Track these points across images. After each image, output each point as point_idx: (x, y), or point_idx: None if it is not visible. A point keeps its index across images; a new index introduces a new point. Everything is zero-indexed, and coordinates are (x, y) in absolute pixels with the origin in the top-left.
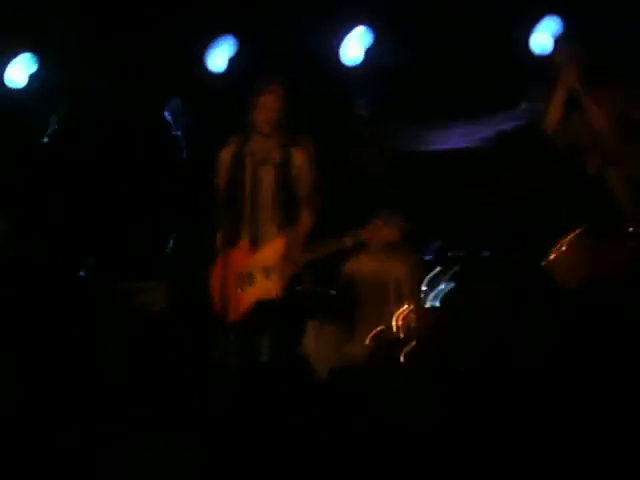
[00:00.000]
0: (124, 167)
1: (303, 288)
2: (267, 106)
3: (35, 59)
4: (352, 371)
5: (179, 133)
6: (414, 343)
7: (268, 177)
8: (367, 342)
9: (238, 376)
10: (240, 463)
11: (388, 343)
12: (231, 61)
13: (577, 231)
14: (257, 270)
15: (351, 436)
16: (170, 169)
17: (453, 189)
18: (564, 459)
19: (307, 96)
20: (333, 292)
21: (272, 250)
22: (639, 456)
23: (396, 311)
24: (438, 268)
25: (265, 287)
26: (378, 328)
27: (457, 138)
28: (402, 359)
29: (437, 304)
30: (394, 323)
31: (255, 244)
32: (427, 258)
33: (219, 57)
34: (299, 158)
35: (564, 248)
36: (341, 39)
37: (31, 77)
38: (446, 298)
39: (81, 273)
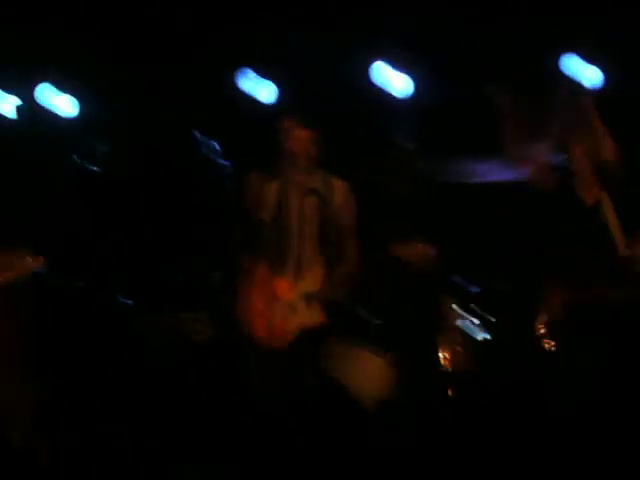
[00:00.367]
0: (168, 198)
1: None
2: (302, 138)
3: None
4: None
5: (224, 163)
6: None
7: (312, 208)
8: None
9: (280, 405)
10: None
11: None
12: (269, 94)
13: None
14: (299, 298)
15: (395, 468)
16: (214, 200)
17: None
18: None
19: (347, 127)
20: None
21: (314, 278)
22: None
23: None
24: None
25: (307, 314)
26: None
27: (497, 172)
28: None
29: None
30: (441, 355)
31: (298, 274)
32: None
33: (255, 89)
34: (340, 190)
35: None
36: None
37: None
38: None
39: (125, 303)
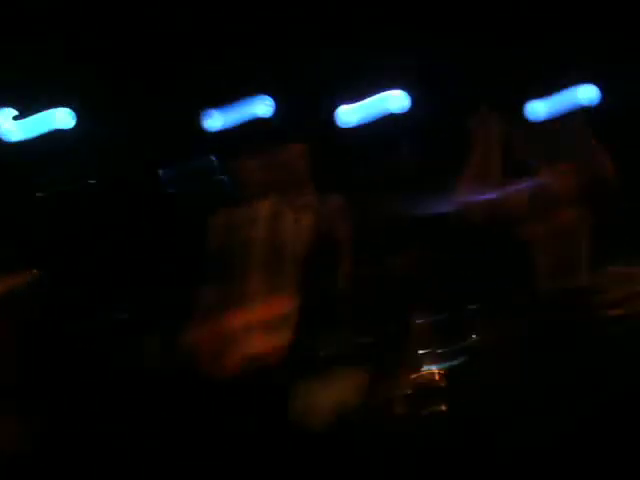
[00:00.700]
0: (165, 210)
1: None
2: (293, 153)
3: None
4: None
5: (222, 179)
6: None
7: (305, 224)
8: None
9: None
10: None
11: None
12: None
13: None
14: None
15: None
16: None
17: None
18: None
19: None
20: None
21: (288, 300)
22: None
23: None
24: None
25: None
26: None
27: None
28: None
29: None
30: (434, 370)
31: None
32: None
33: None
34: (334, 206)
35: None
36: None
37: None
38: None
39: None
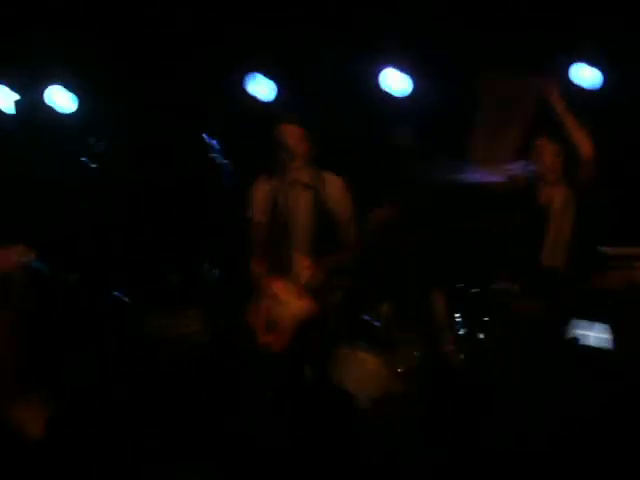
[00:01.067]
0: (166, 196)
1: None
2: (295, 136)
3: (76, 89)
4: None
5: (223, 162)
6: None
7: (306, 204)
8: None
9: (276, 404)
10: None
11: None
12: (270, 93)
13: None
14: (291, 293)
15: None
16: (211, 197)
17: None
18: None
19: (346, 127)
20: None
21: (305, 272)
22: None
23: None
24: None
25: (299, 306)
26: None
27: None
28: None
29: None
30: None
31: (293, 271)
32: None
33: (259, 88)
34: (334, 183)
35: None
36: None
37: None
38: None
39: (121, 299)
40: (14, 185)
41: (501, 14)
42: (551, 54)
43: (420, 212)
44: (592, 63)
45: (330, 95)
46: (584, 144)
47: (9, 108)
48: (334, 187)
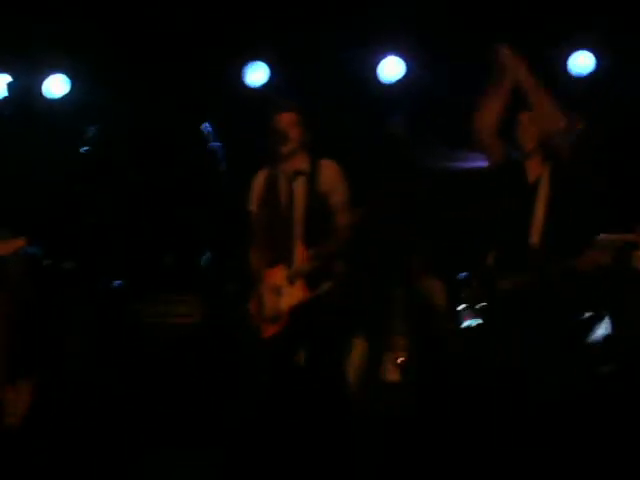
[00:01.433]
0: (160, 179)
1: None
2: (287, 121)
3: (72, 75)
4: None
5: (218, 147)
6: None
7: (299, 190)
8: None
9: (272, 389)
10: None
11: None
12: (266, 81)
13: None
14: (284, 280)
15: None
16: (207, 183)
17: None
18: None
19: (341, 114)
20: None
21: (299, 258)
22: None
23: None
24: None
25: (293, 293)
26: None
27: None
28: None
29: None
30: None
31: (288, 259)
32: None
33: (254, 75)
34: (328, 168)
35: None
36: (377, 58)
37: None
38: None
39: (115, 283)
40: (8, 172)
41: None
42: (549, 40)
43: (414, 200)
44: (589, 50)
45: (325, 82)
46: (555, 116)
47: (3, 93)
48: (329, 172)
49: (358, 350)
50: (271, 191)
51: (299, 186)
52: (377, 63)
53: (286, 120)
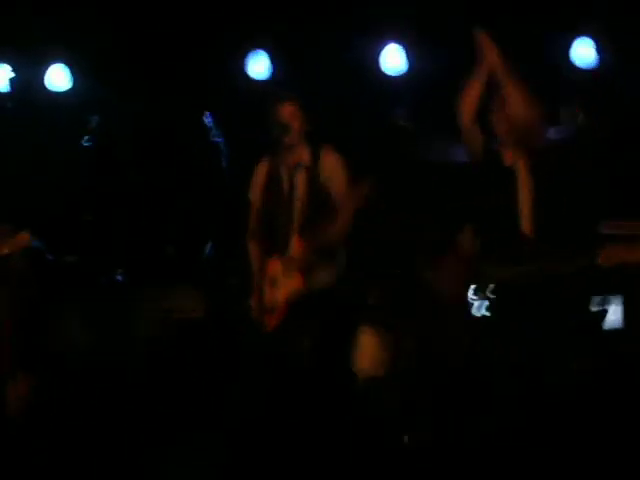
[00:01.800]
0: (162, 172)
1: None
2: (289, 113)
3: (73, 68)
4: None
5: (220, 140)
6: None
7: (301, 182)
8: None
9: (273, 382)
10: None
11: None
12: (268, 72)
13: None
14: (279, 271)
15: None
16: (209, 175)
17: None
18: None
19: (343, 105)
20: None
21: (295, 249)
22: None
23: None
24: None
25: (288, 284)
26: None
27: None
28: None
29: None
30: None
31: (286, 250)
32: None
33: (256, 67)
34: (329, 159)
35: None
36: (380, 50)
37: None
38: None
39: (117, 276)
40: (10, 164)
41: None
42: (551, 31)
43: (416, 191)
44: (591, 41)
45: (327, 72)
46: (525, 103)
47: (5, 86)
48: (329, 162)
49: (366, 340)
50: (272, 181)
51: (300, 177)
52: (379, 53)
53: (288, 111)
